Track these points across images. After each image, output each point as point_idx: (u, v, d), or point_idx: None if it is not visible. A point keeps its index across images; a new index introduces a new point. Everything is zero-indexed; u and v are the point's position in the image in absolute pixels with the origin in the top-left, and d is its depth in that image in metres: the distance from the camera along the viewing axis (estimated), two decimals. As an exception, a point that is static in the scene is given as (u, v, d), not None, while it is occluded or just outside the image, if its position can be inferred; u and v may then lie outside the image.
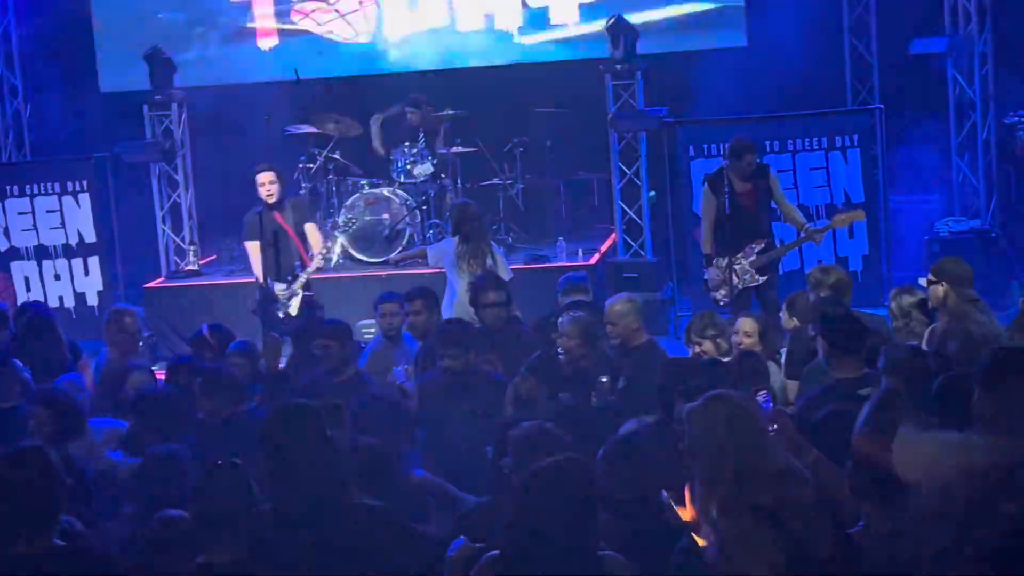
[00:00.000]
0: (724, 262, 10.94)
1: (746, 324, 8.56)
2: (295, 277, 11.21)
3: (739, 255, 10.92)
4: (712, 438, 4.43)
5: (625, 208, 13.98)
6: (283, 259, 11.21)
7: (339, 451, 5.17)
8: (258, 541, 4.88)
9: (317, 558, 4.80)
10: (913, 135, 14.02)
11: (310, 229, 11.46)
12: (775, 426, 5.37)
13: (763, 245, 10.93)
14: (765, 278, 10.91)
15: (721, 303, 10.82)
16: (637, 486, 5.47)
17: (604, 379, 7.70)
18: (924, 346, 7.59)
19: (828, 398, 6.59)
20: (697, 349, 8.37)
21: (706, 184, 11.30)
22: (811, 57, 13.98)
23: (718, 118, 13.68)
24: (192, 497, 5.17)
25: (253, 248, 11.40)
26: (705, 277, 11.25)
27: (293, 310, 11.05)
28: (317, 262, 11.19)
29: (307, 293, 11.21)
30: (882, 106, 13.69)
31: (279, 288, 11.14)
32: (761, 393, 5.49)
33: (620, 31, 13.60)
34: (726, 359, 8.00)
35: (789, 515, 4.05)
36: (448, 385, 7.96)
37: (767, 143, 13.17)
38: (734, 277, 10.91)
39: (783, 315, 8.91)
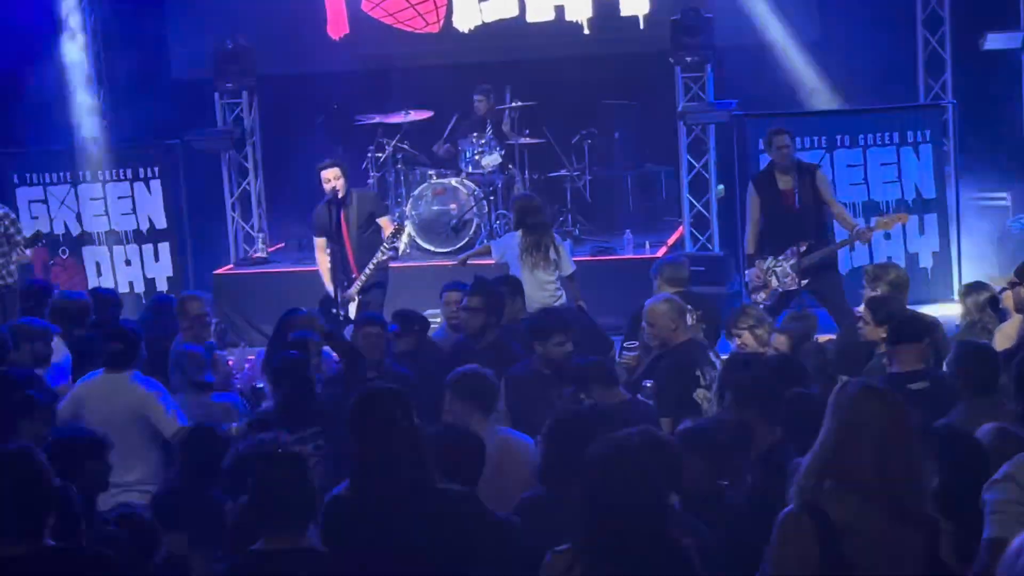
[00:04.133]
0: (765, 264, 10.83)
1: (778, 340, 8.29)
2: (351, 282, 11.16)
3: (780, 257, 10.78)
4: (861, 426, 4.23)
5: (693, 201, 13.94)
6: (345, 257, 11.19)
7: (424, 436, 5.15)
8: (337, 527, 4.85)
9: (399, 544, 4.77)
10: (986, 131, 13.87)
11: (384, 223, 11.33)
12: None
13: (805, 247, 10.76)
14: (806, 282, 10.72)
15: (760, 306, 10.67)
16: (707, 478, 5.47)
17: (647, 384, 7.64)
18: (996, 345, 7.51)
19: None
20: (737, 342, 8.45)
21: (752, 184, 11.22)
22: (883, 51, 13.84)
23: (788, 111, 13.58)
24: (249, 484, 5.16)
25: (320, 244, 11.41)
26: (746, 279, 11.15)
27: (351, 314, 11.02)
28: (378, 257, 11.07)
29: (363, 298, 11.12)
30: (955, 101, 13.55)
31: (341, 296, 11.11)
32: None
33: (691, 23, 13.55)
34: (764, 349, 8.10)
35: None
36: (544, 374, 7.86)
37: (838, 137, 13.09)
38: (774, 280, 10.78)
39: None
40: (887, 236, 12.77)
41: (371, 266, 10.98)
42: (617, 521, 4.30)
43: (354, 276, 11.08)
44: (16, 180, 14.44)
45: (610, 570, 4.31)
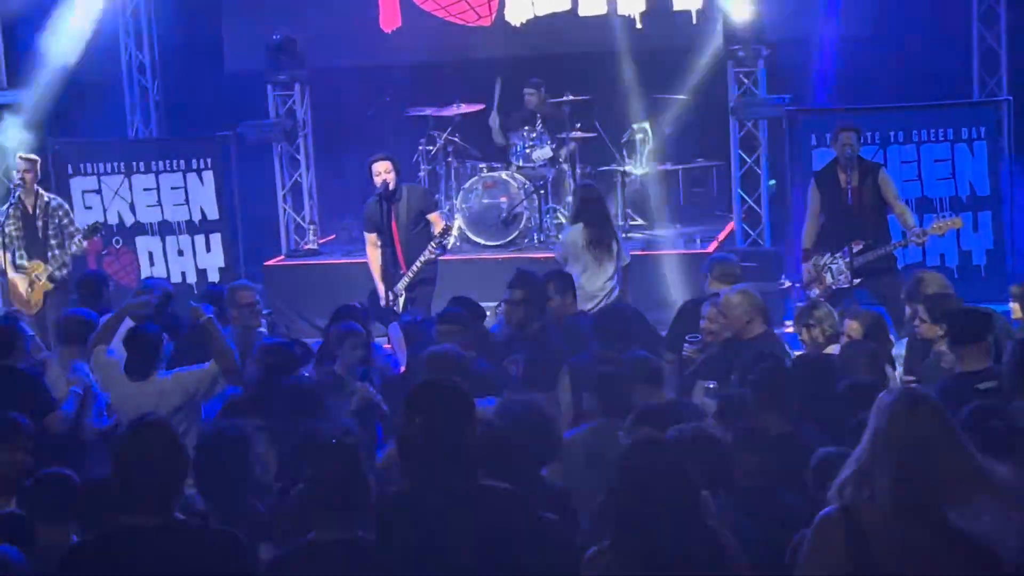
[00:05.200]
0: (822, 260, 10.77)
1: (852, 326, 8.24)
2: (400, 277, 11.18)
3: (837, 254, 10.70)
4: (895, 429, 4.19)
5: (744, 196, 13.90)
6: (394, 252, 11.22)
7: (476, 433, 5.13)
8: (387, 519, 4.84)
9: (446, 539, 4.77)
10: (1041, 128, 13.75)
11: (434, 219, 11.36)
12: None
13: (861, 246, 10.65)
14: (858, 281, 10.63)
15: None
16: (760, 476, 5.45)
17: (711, 384, 7.60)
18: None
19: (945, 394, 6.46)
20: (800, 338, 8.49)
21: (814, 179, 11.17)
22: (938, 46, 13.75)
23: (841, 107, 13.50)
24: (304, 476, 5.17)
25: (371, 240, 11.43)
26: (801, 273, 11.11)
27: (399, 309, 11.05)
28: (427, 255, 11.08)
29: (411, 294, 11.15)
30: (1011, 98, 13.43)
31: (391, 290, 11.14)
32: None
33: (741, 18, 13.48)
34: (828, 348, 8.07)
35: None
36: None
37: (891, 133, 13.00)
38: (828, 277, 10.71)
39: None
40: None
41: (419, 263, 11.01)
42: (649, 515, 4.32)
43: (403, 272, 11.11)
44: (70, 170, 14.54)
45: (645, 566, 4.31)
